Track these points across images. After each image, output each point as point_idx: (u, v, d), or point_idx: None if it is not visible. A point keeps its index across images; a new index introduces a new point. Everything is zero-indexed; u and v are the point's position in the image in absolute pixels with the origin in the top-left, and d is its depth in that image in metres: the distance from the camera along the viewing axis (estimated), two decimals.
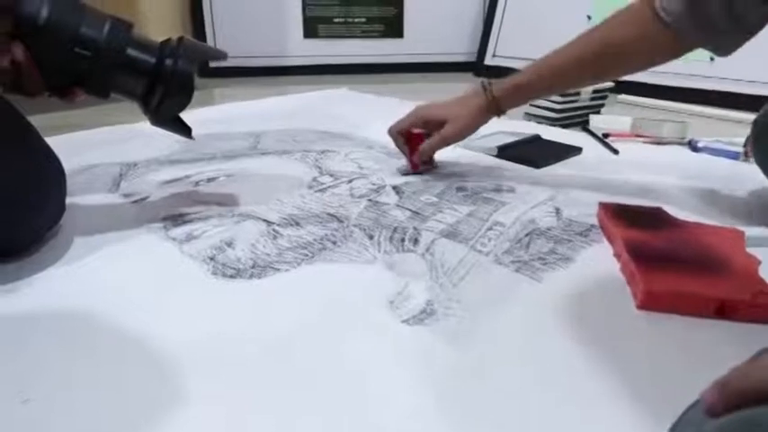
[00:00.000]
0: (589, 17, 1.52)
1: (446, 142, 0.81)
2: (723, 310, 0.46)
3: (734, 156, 0.90)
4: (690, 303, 0.47)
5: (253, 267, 0.55)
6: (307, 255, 0.58)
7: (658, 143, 0.99)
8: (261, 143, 0.98)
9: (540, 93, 0.85)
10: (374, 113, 1.19)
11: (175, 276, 0.54)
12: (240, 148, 0.94)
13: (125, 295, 0.51)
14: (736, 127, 1.15)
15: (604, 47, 0.69)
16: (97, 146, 0.94)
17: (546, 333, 0.46)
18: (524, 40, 1.64)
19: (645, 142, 1.00)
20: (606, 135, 1.01)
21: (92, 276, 0.54)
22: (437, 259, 0.57)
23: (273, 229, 0.63)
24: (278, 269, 0.55)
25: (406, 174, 0.82)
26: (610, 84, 1.18)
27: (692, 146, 0.95)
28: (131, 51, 0.58)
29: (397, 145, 0.83)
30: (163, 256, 0.58)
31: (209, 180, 0.79)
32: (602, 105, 1.18)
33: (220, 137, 1.00)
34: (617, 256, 0.57)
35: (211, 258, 0.57)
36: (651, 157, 0.93)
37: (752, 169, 0.83)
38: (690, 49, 0.66)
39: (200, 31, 1.67)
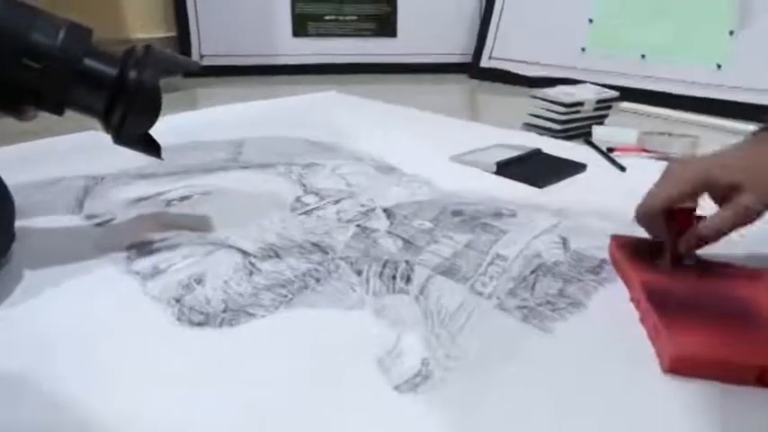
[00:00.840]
0: (591, 20, 1.46)
1: (742, 219, 0.51)
2: (763, 378, 0.40)
3: None
4: (727, 371, 0.41)
5: (224, 311, 0.49)
6: (285, 296, 0.51)
7: (666, 159, 0.93)
8: (243, 154, 0.91)
9: None
10: (363, 120, 1.13)
11: (134, 323, 0.47)
12: (220, 160, 0.87)
13: (70, 347, 0.44)
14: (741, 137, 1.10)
15: None
16: (63, 155, 0.87)
17: (560, 403, 0.40)
18: (523, 42, 1.57)
19: (652, 158, 0.94)
20: (611, 149, 0.95)
21: (36, 322, 0.47)
22: (432, 304, 0.51)
23: (250, 262, 0.57)
24: (252, 314, 0.49)
25: (664, 269, 0.54)
26: (615, 93, 1.12)
27: None
28: (89, 62, 0.52)
29: (652, 230, 0.56)
30: (123, 295, 0.51)
31: (183, 198, 0.72)
32: (606, 116, 1.12)
33: (199, 146, 0.93)
34: (634, 301, 0.51)
35: (177, 300, 0.50)
36: (659, 175, 0.87)
37: None
38: None
39: (185, 28, 1.59)
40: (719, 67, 1.27)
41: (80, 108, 0.53)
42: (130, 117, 0.53)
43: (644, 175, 0.86)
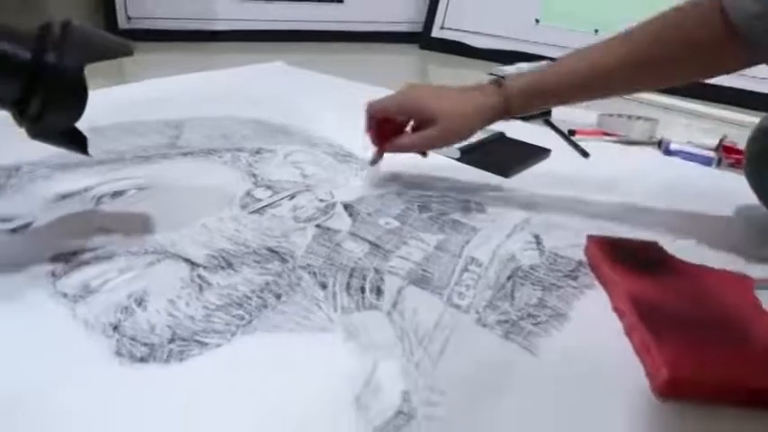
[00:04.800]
0: None
1: (428, 146, 0.67)
2: (759, 399, 0.39)
3: (707, 161, 0.84)
4: (721, 392, 0.39)
5: (171, 342, 0.42)
6: (243, 318, 0.45)
7: (627, 143, 0.92)
8: (182, 137, 0.82)
9: (567, 97, 0.64)
10: (316, 97, 1.05)
11: (63, 360, 0.40)
12: (156, 146, 0.78)
13: None
14: (696, 119, 1.11)
15: (658, 45, 0.55)
16: None
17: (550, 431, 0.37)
18: (476, 13, 1.52)
19: (611, 141, 0.93)
20: (572, 132, 0.93)
21: None
22: (408, 322, 0.46)
23: (199, 275, 0.50)
24: (205, 343, 0.42)
25: (374, 163, 0.69)
26: None
27: (664, 148, 0.88)
28: None
29: (367, 126, 0.67)
30: (48, 324, 0.43)
31: (115, 194, 0.64)
32: None
33: (132, 128, 0.83)
34: (618, 311, 0.49)
35: (115, 328, 0.43)
36: (624, 161, 0.85)
37: (731, 179, 0.77)
38: (753, 62, 0.54)
39: None
40: None
41: None
42: (51, 110, 0.45)
43: (607, 162, 0.85)
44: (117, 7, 1.43)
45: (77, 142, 0.50)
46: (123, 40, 0.50)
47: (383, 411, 0.37)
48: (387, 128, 0.67)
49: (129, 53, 0.48)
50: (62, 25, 0.46)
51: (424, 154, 0.70)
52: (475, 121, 0.64)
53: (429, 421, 0.37)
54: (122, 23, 1.44)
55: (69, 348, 0.41)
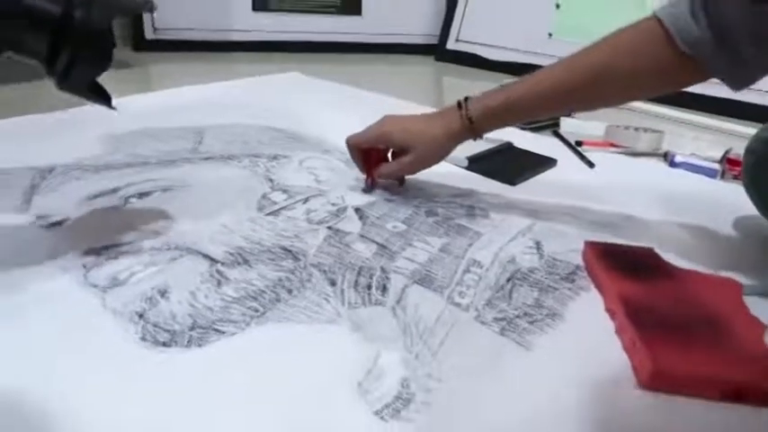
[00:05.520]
0: (558, 5, 1.45)
1: (404, 172, 0.73)
2: (737, 394, 0.41)
3: (712, 173, 0.86)
4: (701, 386, 0.42)
5: (192, 329, 0.46)
6: (257, 310, 0.49)
7: (632, 154, 0.94)
8: (203, 143, 0.86)
9: (522, 116, 0.70)
10: (330, 107, 1.09)
11: (93, 345, 0.44)
12: (179, 151, 0.82)
13: (21, 375, 0.41)
14: (702, 131, 1.12)
15: (606, 70, 0.60)
16: (12, 141, 0.81)
17: (540, 421, 0.40)
18: (490, 26, 1.56)
19: (618, 152, 0.95)
20: (579, 143, 0.95)
21: None
22: (410, 317, 0.49)
23: (217, 271, 0.54)
24: (222, 331, 0.46)
25: (366, 191, 0.73)
26: None
27: (669, 160, 0.90)
28: (29, 0, 0.46)
29: (353, 157, 0.74)
30: (79, 311, 0.47)
31: (142, 195, 0.68)
32: None
33: (157, 134, 0.88)
34: (609, 311, 0.51)
35: (140, 315, 0.47)
36: (628, 172, 0.88)
37: (733, 190, 0.79)
38: (705, 78, 0.58)
39: None
40: None
41: (20, 51, 0.48)
42: (78, 61, 0.48)
43: (612, 173, 0.88)
44: (144, 19, 1.49)
45: (102, 96, 0.53)
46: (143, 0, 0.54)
47: (383, 396, 0.41)
48: (372, 156, 0.72)
49: (150, 9, 0.52)
50: None
51: (401, 182, 0.74)
52: (444, 143, 0.68)
53: (426, 406, 0.40)
54: (149, 34, 1.50)
55: (99, 333, 0.45)
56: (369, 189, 0.73)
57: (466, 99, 0.67)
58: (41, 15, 0.46)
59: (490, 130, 0.68)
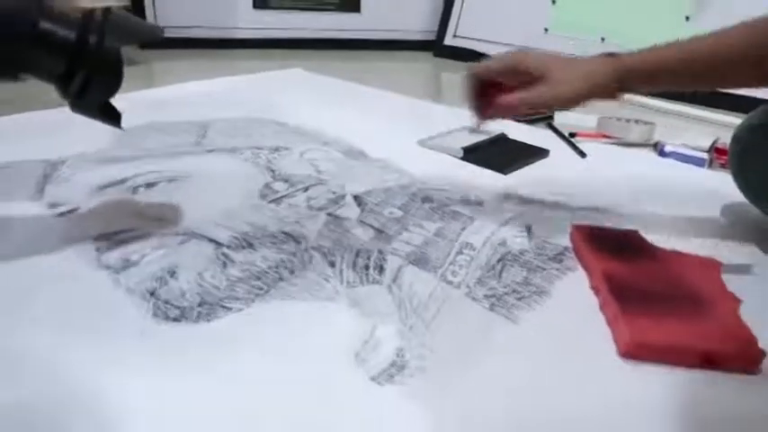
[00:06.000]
0: (554, 1, 1.47)
1: (539, 103, 0.61)
2: (711, 361, 0.44)
3: (701, 162, 0.89)
4: (676, 355, 0.45)
5: (200, 305, 0.49)
6: (261, 288, 0.52)
7: (624, 145, 0.97)
8: (207, 136, 0.89)
9: (667, 85, 0.62)
10: (330, 101, 1.12)
11: (109, 319, 0.47)
12: (184, 143, 0.85)
13: (43, 349, 0.44)
14: (694, 123, 1.15)
15: None
16: (22, 135, 0.84)
17: (525, 388, 0.43)
18: (487, 21, 1.58)
19: (610, 143, 0.98)
20: (573, 134, 0.98)
21: (12, 317, 0.46)
22: (405, 293, 0.52)
23: (223, 253, 0.57)
24: (229, 308, 0.49)
25: (473, 131, 0.70)
26: None
27: (659, 150, 0.93)
28: (45, 24, 0.49)
29: (468, 89, 0.63)
30: (95, 290, 0.51)
31: (149, 185, 0.71)
32: None
33: (162, 128, 0.91)
34: (594, 289, 0.54)
35: (152, 293, 0.50)
36: (619, 162, 0.91)
37: (720, 178, 0.82)
38: None
39: None
40: None
41: (36, 73, 0.51)
42: (92, 83, 0.51)
43: (603, 163, 0.90)
44: (147, 16, 1.52)
45: (113, 117, 0.56)
46: (154, 26, 0.57)
47: (379, 363, 0.44)
48: (490, 93, 0.62)
49: (159, 37, 0.55)
50: (104, 11, 0.53)
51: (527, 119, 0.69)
52: (584, 85, 0.59)
53: (421, 373, 0.43)
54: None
55: (113, 311, 0.48)
56: (477, 128, 0.69)
57: (611, 54, 0.60)
58: (57, 40, 0.49)
59: (633, 91, 0.62)
